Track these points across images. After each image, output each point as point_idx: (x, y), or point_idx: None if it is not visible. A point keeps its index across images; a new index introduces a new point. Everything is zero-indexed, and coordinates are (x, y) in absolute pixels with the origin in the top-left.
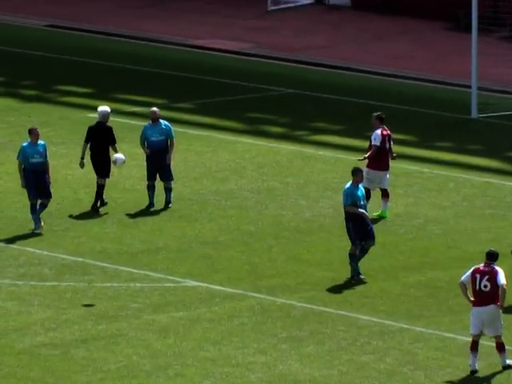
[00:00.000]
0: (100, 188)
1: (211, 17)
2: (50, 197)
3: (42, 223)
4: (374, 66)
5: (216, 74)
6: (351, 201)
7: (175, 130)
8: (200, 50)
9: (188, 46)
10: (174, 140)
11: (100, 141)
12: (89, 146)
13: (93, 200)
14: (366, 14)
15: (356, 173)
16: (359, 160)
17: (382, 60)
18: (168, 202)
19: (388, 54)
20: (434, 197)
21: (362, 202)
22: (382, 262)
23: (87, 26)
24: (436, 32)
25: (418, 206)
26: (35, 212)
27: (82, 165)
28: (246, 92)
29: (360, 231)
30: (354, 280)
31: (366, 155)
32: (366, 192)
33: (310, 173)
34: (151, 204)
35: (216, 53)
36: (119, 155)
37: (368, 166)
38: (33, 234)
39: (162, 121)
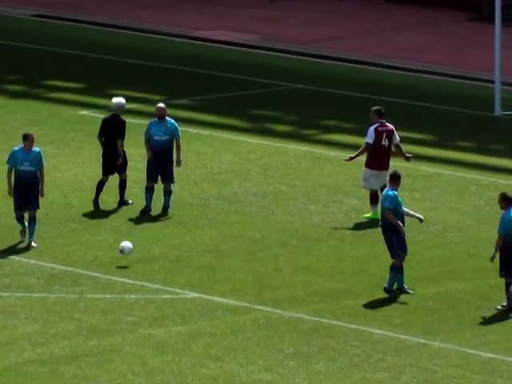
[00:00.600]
0: (122, 184)
1: (213, 6)
2: (38, 207)
3: (34, 244)
4: (389, 59)
5: (218, 68)
6: (393, 205)
7: None
8: (201, 42)
9: (188, 38)
10: (180, 140)
11: (113, 135)
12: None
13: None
14: (381, 4)
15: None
16: (345, 160)
17: (397, 53)
18: (166, 206)
19: (404, 46)
20: (455, 201)
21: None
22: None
23: (79, 15)
24: (457, 22)
25: (436, 211)
26: (22, 221)
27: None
28: (251, 87)
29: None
30: (398, 292)
31: (354, 155)
32: (372, 194)
33: (319, 175)
34: (148, 208)
35: (218, 45)
36: (127, 244)
37: (366, 165)
38: (19, 242)
39: (168, 118)
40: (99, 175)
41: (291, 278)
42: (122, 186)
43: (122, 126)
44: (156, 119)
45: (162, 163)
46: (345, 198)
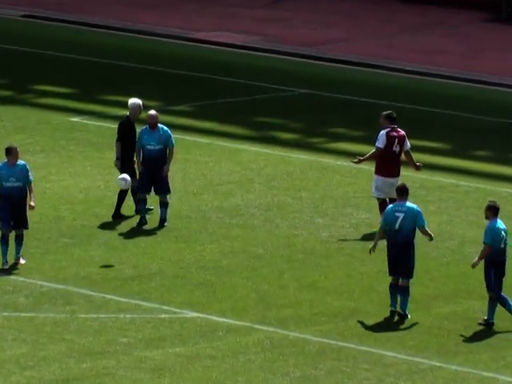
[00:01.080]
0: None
1: (213, 6)
2: (27, 227)
3: (22, 261)
4: (399, 62)
5: (218, 72)
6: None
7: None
8: (200, 44)
9: (187, 40)
10: (174, 149)
11: (132, 139)
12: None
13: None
14: (390, 3)
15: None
16: (354, 162)
17: (408, 56)
18: (163, 219)
19: (416, 48)
20: (472, 214)
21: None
22: (411, 290)
23: (70, 16)
24: (473, 24)
25: (453, 225)
26: (5, 243)
27: (117, 166)
28: (253, 92)
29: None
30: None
31: (363, 157)
32: (382, 203)
33: (327, 186)
34: (143, 220)
35: (218, 47)
36: (126, 176)
37: (376, 172)
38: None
39: (160, 125)
40: (91, 186)
41: (297, 297)
42: (122, 197)
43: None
44: (147, 127)
45: (155, 174)
46: (354, 211)
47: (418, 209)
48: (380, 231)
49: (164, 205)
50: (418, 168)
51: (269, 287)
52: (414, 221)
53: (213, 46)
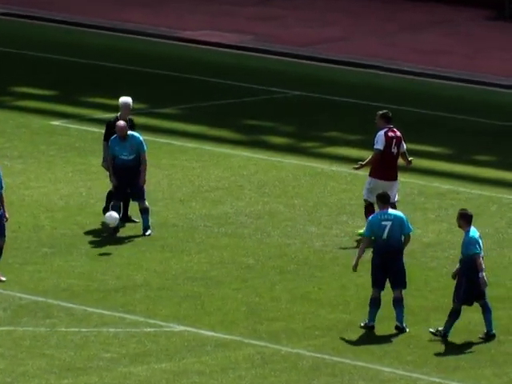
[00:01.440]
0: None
1: (202, 4)
2: (4, 237)
3: (2, 278)
4: (399, 62)
5: (207, 73)
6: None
7: (157, 140)
8: (188, 44)
9: (175, 39)
10: (146, 155)
11: None
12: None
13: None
14: (390, 1)
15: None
16: (355, 168)
17: (408, 56)
18: (146, 227)
19: (416, 48)
20: (473, 222)
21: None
22: (410, 302)
23: (53, 14)
24: (476, 22)
25: (453, 234)
26: None
27: (105, 167)
28: (243, 94)
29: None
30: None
31: (364, 162)
32: (367, 205)
33: (320, 193)
34: (115, 228)
35: (207, 47)
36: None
37: (370, 175)
38: None
39: (130, 133)
40: (73, 193)
41: (289, 309)
42: (125, 202)
43: (132, 128)
44: (117, 137)
45: (131, 181)
46: (350, 219)
47: (404, 215)
48: (364, 241)
49: (145, 211)
50: (409, 163)
51: (260, 299)
52: (402, 228)
53: (202, 46)
